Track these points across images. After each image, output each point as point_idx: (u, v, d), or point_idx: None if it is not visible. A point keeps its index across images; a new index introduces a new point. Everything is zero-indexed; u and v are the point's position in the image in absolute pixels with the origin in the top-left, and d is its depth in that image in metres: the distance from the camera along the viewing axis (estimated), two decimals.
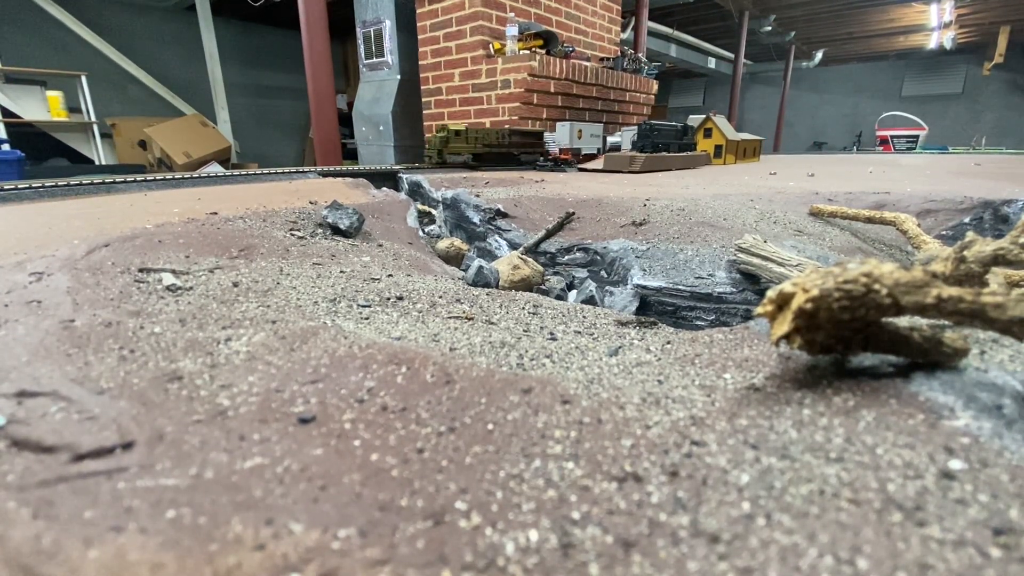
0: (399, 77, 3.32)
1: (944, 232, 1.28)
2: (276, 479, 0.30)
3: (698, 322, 0.97)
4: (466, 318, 0.62)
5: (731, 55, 8.16)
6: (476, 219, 1.47)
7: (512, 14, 2.97)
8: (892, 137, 7.01)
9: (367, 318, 0.58)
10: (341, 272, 0.79)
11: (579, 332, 0.59)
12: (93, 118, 4.15)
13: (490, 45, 2.94)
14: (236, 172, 1.73)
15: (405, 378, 0.42)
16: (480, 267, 0.95)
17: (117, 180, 1.38)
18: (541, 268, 1.11)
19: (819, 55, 8.81)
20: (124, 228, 0.87)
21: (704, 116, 3.18)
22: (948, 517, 0.26)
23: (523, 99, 2.87)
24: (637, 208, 1.34)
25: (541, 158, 2.60)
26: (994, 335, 0.46)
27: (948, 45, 7.69)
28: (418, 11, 3.16)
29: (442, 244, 1.29)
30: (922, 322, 0.47)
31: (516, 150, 2.49)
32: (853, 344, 0.39)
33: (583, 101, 3.29)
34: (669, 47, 7.51)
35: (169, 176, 1.51)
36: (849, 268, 0.36)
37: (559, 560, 0.24)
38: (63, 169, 3.87)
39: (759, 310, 0.39)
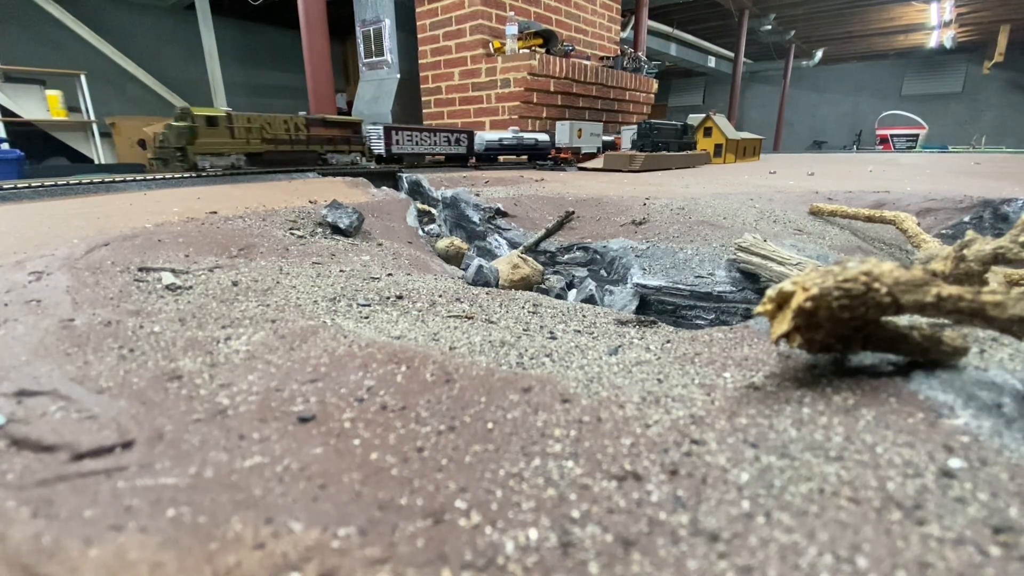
0: (399, 76, 3.32)
1: (944, 231, 1.28)
2: (276, 478, 0.30)
3: (698, 321, 0.97)
4: (466, 317, 0.62)
5: (731, 54, 8.16)
6: (476, 218, 1.47)
7: (512, 13, 2.97)
8: (892, 136, 7.01)
9: (367, 317, 0.58)
10: (341, 271, 0.79)
11: (579, 331, 0.59)
12: (92, 117, 4.15)
13: (490, 44, 2.94)
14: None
15: (405, 377, 0.42)
16: (480, 266, 0.95)
17: (116, 179, 1.38)
18: (541, 267, 1.11)
19: (819, 54, 8.81)
20: (124, 227, 0.87)
21: (704, 115, 3.18)
22: (948, 515, 0.26)
23: (523, 98, 2.87)
24: (637, 207, 1.34)
25: (363, 157, 2.01)
26: (994, 334, 0.46)
27: (948, 44, 7.69)
28: (417, 10, 3.15)
29: (442, 243, 1.29)
30: (922, 321, 0.47)
31: (321, 147, 1.86)
32: (853, 343, 0.39)
33: (583, 100, 3.29)
34: (669, 46, 7.50)
35: (168, 175, 1.51)
36: (849, 267, 0.36)
37: (559, 559, 0.24)
38: (62, 168, 3.87)
39: (759, 309, 0.39)
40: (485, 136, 2.38)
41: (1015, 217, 1.26)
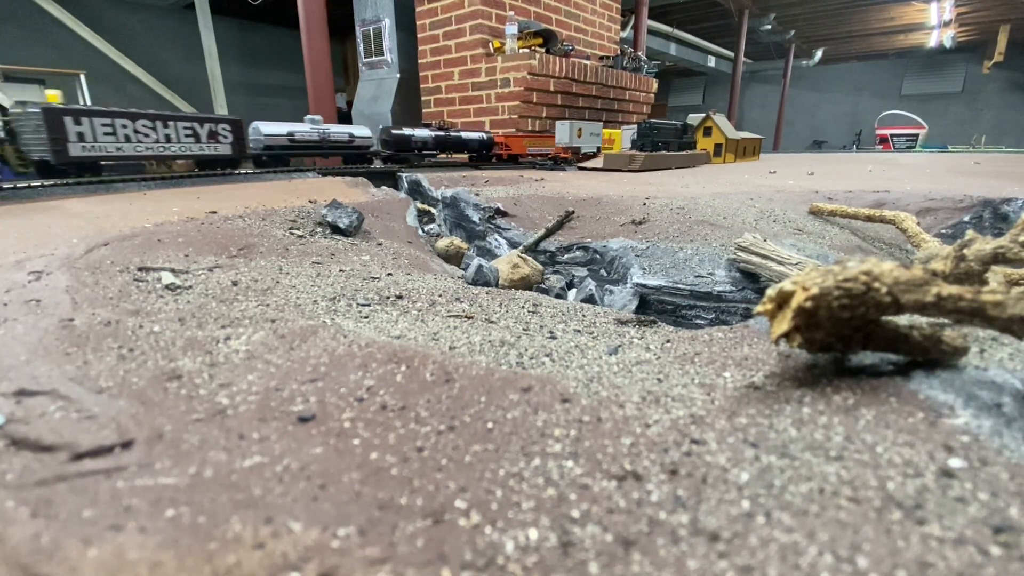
0: (398, 76, 3.32)
1: (944, 230, 1.28)
2: (275, 478, 0.30)
3: (698, 321, 0.97)
4: (466, 317, 0.62)
5: (731, 53, 8.16)
6: (476, 218, 1.47)
7: (511, 12, 2.97)
8: (892, 136, 7.01)
9: (366, 317, 0.58)
10: (340, 271, 0.79)
11: (579, 331, 0.59)
12: None
13: (489, 43, 2.94)
14: (235, 171, 1.72)
15: (404, 377, 0.42)
16: (480, 266, 0.95)
17: (116, 179, 1.38)
18: (541, 267, 1.11)
19: (819, 54, 8.81)
20: (123, 227, 0.87)
21: (704, 115, 3.18)
22: (948, 515, 0.26)
23: (523, 98, 2.87)
24: (637, 207, 1.34)
25: (5, 166, 1.32)
26: (993, 333, 0.46)
27: (948, 44, 7.69)
28: (417, 9, 3.15)
29: (442, 243, 1.29)
30: (922, 320, 0.47)
31: None
32: (853, 342, 0.39)
33: (583, 100, 3.29)
34: (669, 46, 7.50)
35: (168, 175, 1.51)
36: (849, 266, 0.36)
37: (559, 559, 0.24)
38: None
39: (759, 308, 0.39)
40: (265, 129, 1.70)
41: (1015, 217, 1.26)
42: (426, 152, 2.21)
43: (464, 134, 2.32)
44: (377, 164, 2.04)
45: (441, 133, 2.22)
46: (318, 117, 1.88)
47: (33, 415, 0.35)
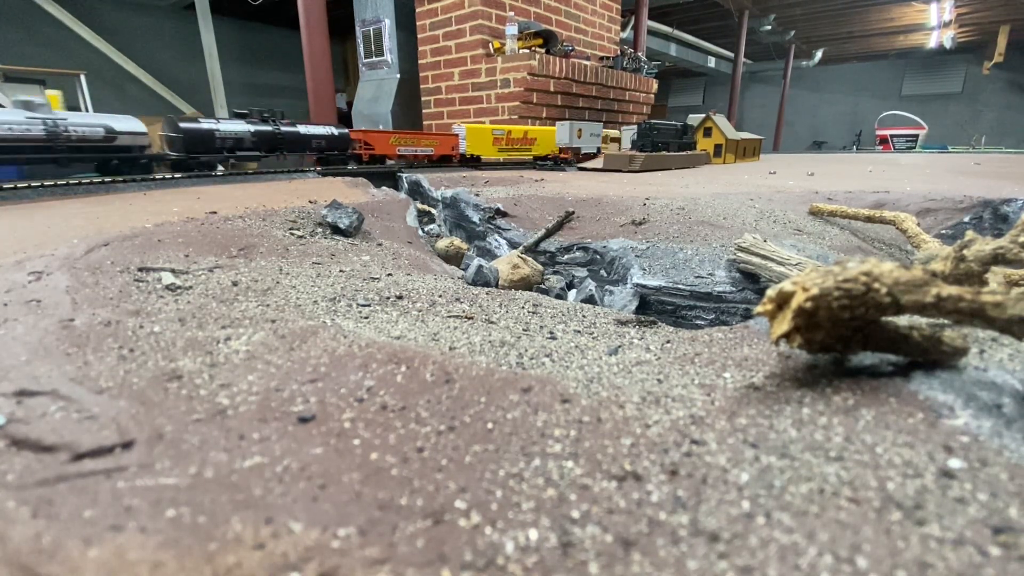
0: (398, 76, 3.32)
1: (943, 231, 1.28)
2: (276, 478, 0.30)
3: (698, 321, 0.97)
4: (466, 317, 0.62)
5: (731, 54, 8.16)
6: (476, 218, 1.47)
7: (512, 13, 2.97)
8: (892, 136, 7.01)
9: (367, 317, 0.58)
10: (340, 271, 0.79)
11: (579, 331, 0.59)
12: None
13: (490, 44, 2.94)
14: (235, 171, 1.72)
15: (405, 377, 0.42)
16: (480, 266, 0.95)
17: (116, 179, 1.38)
18: (541, 267, 1.11)
19: (819, 54, 8.81)
20: (123, 227, 0.87)
21: (704, 115, 3.18)
22: (947, 516, 0.26)
23: (523, 98, 2.87)
24: (637, 207, 1.34)
25: None
26: (993, 334, 0.46)
27: (948, 44, 7.69)
28: (417, 10, 3.15)
29: (442, 243, 1.29)
30: (922, 321, 0.47)
31: None
32: (853, 343, 0.39)
33: (583, 100, 3.29)
34: (669, 46, 7.50)
35: (168, 175, 1.51)
36: (849, 267, 0.36)
37: (559, 559, 0.24)
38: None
39: (759, 309, 0.39)
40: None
41: (1015, 217, 1.26)
42: (242, 153, 1.57)
43: (303, 129, 1.70)
44: (162, 176, 1.38)
45: (266, 128, 1.57)
46: (42, 101, 1.15)
47: (33, 415, 0.35)
